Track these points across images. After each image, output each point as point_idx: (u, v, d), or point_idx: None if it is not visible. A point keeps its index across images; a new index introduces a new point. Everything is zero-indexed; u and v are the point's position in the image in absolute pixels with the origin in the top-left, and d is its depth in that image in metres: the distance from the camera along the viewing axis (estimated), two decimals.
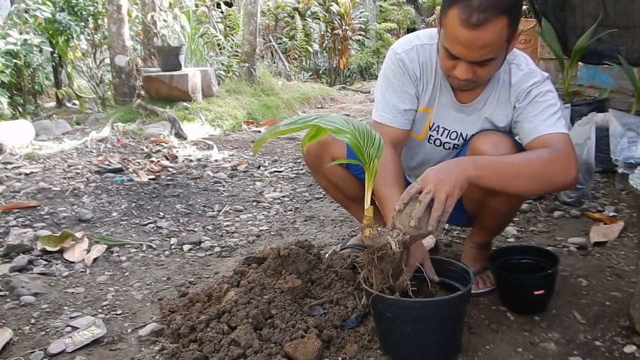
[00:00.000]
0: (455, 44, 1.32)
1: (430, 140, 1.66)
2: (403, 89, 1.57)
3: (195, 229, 2.44)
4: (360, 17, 9.10)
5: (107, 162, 3.48)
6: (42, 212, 2.59)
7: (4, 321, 1.63)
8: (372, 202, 1.34)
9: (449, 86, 1.56)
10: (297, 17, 8.09)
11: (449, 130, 1.62)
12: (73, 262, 2.08)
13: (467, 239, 1.80)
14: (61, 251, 2.15)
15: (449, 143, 1.64)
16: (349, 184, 1.79)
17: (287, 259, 1.64)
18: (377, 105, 1.61)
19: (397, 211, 1.28)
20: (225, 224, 2.51)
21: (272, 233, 2.37)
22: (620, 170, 2.58)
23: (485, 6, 1.26)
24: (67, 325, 1.61)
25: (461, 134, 1.62)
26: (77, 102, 5.47)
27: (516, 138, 1.57)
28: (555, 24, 3.97)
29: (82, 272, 2.01)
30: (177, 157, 3.70)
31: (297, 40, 8.00)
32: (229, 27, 7.38)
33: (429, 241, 2.03)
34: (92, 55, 5.61)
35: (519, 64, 1.52)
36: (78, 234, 2.26)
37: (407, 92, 1.58)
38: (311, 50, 8.25)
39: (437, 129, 1.63)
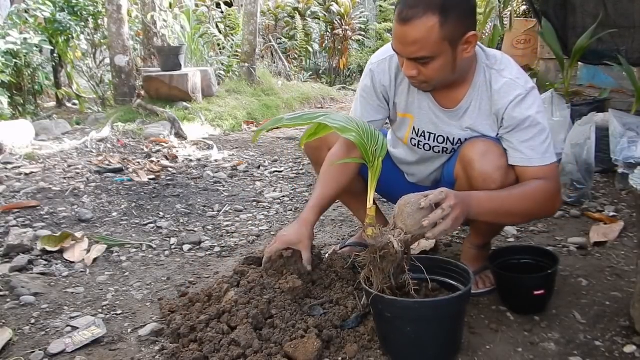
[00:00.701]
0: (394, 40, 1.39)
1: (415, 144, 1.66)
2: (367, 101, 1.63)
3: (195, 229, 2.44)
4: (360, 17, 9.09)
5: (107, 162, 3.48)
6: (42, 212, 2.59)
7: (4, 321, 1.63)
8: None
9: (429, 94, 1.55)
10: (298, 17, 8.09)
11: (435, 135, 1.61)
12: (73, 262, 2.08)
13: (466, 239, 1.80)
14: (61, 251, 2.15)
15: (438, 147, 1.63)
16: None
17: (289, 260, 1.64)
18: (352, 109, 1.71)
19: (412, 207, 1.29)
20: (225, 224, 2.51)
21: (272, 233, 2.37)
22: (620, 170, 2.58)
23: (415, 3, 1.31)
24: (67, 325, 1.61)
25: (448, 138, 1.60)
26: (77, 102, 5.47)
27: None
28: (555, 23, 3.98)
29: (82, 272, 2.01)
30: (177, 157, 3.70)
31: (297, 40, 7.99)
32: (229, 27, 7.38)
33: (429, 242, 2.03)
34: (92, 55, 5.61)
35: (500, 70, 1.49)
36: (78, 234, 2.26)
37: (370, 104, 1.64)
38: (311, 50, 8.25)
39: (423, 134, 1.63)
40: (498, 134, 1.52)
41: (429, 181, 1.77)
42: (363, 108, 1.65)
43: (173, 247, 2.25)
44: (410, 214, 1.27)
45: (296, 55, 8.05)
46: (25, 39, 4.53)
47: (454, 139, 1.59)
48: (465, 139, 1.56)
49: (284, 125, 1.34)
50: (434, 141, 1.62)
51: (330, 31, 8.40)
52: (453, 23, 1.32)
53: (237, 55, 6.47)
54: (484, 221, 1.49)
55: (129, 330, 1.60)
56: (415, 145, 1.67)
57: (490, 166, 1.45)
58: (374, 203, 1.35)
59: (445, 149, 1.63)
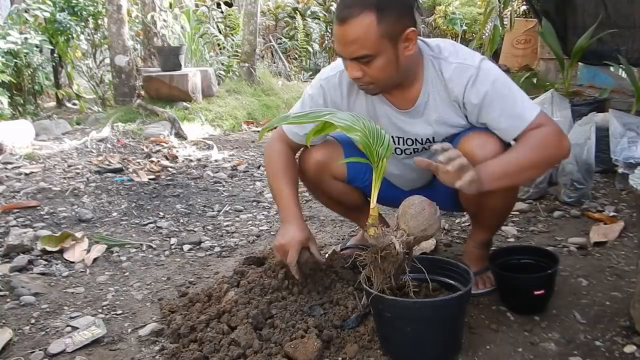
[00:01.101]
0: (335, 41, 1.40)
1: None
2: (312, 109, 1.60)
3: (195, 229, 2.44)
4: None
5: (107, 162, 3.48)
6: (42, 212, 2.59)
7: (4, 321, 1.63)
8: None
9: (383, 98, 1.55)
10: (298, 17, 8.09)
11: (403, 138, 1.60)
12: (73, 262, 2.08)
13: (468, 239, 1.79)
14: (61, 251, 2.15)
15: (409, 149, 1.62)
16: (350, 196, 1.79)
17: (309, 258, 1.64)
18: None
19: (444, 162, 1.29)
20: (225, 224, 2.51)
21: (272, 233, 2.37)
22: (620, 170, 2.58)
23: (352, 2, 1.33)
24: (67, 325, 1.61)
25: (415, 139, 1.58)
26: (77, 102, 5.47)
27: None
28: (556, 23, 3.98)
29: (82, 272, 2.01)
30: (177, 157, 3.70)
31: (297, 40, 7.99)
32: (229, 27, 7.38)
33: (429, 242, 2.03)
34: (92, 55, 5.61)
35: (446, 58, 1.49)
36: (78, 234, 2.26)
37: None
38: (311, 50, 8.24)
39: (392, 140, 1.61)
40: (469, 120, 1.51)
41: (421, 182, 1.75)
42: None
43: (173, 247, 2.25)
44: (413, 216, 1.27)
45: (296, 55, 8.05)
46: (25, 38, 4.53)
47: (422, 139, 1.58)
48: (433, 138, 1.56)
49: (290, 122, 1.34)
50: (403, 144, 1.61)
51: (330, 31, 8.40)
52: (390, 20, 1.34)
53: (237, 55, 6.47)
54: (500, 190, 1.44)
55: (129, 330, 1.60)
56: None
57: (492, 154, 1.45)
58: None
59: (416, 149, 1.62)
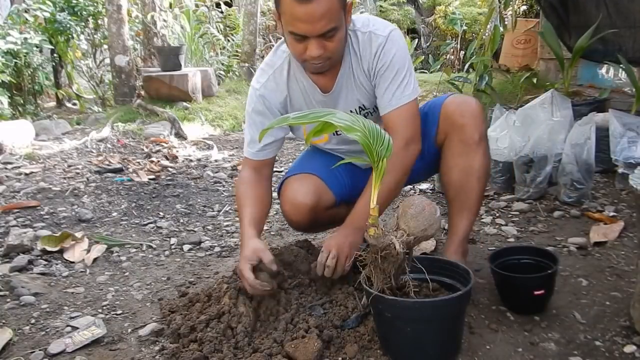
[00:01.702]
0: (298, 23, 1.37)
1: (341, 132, 1.62)
2: (264, 123, 1.61)
3: (195, 229, 2.44)
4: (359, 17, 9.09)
5: (107, 162, 3.48)
6: (42, 212, 2.59)
7: (4, 321, 1.63)
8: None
9: (311, 83, 1.58)
10: None
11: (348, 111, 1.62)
12: (73, 262, 2.08)
13: (449, 236, 1.74)
14: (61, 251, 2.15)
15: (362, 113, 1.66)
16: (343, 215, 1.75)
17: (292, 264, 1.65)
18: (245, 142, 1.69)
19: None
20: (225, 224, 2.51)
21: (272, 233, 2.37)
22: (620, 170, 2.58)
23: None
24: (67, 325, 1.61)
25: (360, 106, 1.63)
26: (77, 102, 5.47)
27: None
28: (557, 23, 3.98)
29: (82, 272, 2.01)
30: (177, 157, 3.70)
31: None
32: (229, 27, 7.39)
33: (429, 242, 2.03)
34: (92, 55, 5.62)
35: (359, 29, 1.54)
36: (78, 234, 2.26)
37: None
38: None
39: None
40: (375, 92, 1.58)
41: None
42: (259, 132, 1.57)
43: (173, 247, 2.25)
44: (413, 216, 1.27)
45: None
46: (25, 38, 4.53)
47: (363, 105, 1.63)
48: (364, 105, 1.62)
49: (290, 123, 1.34)
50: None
51: None
52: None
53: (237, 55, 6.47)
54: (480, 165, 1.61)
55: (129, 330, 1.59)
56: (341, 134, 1.67)
57: (474, 107, 1.61)
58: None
59: (369, 113, 1.64)
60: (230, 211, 2.69)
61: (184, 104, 4.93)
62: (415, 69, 4.84)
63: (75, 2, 5.10)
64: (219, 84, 5.76)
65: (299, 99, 1.63)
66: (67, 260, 2.10)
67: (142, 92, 5.12)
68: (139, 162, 3.54)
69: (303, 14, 1.35)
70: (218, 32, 7.07)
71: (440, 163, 1.72)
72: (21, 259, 2.03)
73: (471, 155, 1.61)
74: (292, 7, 1.35)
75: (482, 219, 2.36)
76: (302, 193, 1.66)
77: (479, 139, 1.60)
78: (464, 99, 1.65)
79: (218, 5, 7.61)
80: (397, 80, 1.52)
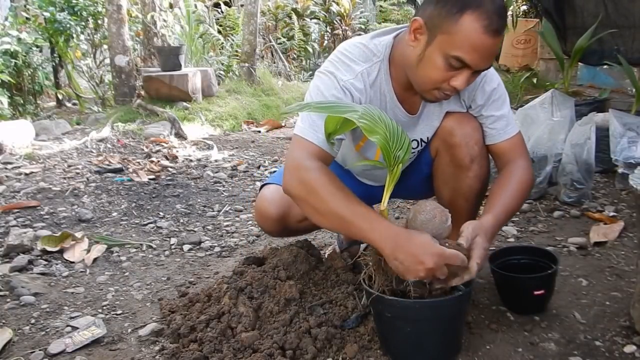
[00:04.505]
0: (473, 52, 1.24)
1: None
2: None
3: (195, 229, 2.44)
4: (360, 17, 9.10)
5: (107, 162, 3.48)
6: (42, 212, 2.59)
7: (4, 321, 1.63)
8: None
9: (395, 100, 1.47)
10: (295, 17, 8.10)
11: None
12: (73, 262, 2.08)
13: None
14: (61, 251, 2.15)
15: (413, 151, 1.58)
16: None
17: (292, 264, 1.64)
18: (306, 121, 1.36)
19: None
20: (225, 224, 2.51)
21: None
22: (620, 170, 2.58)
23: (502, 11, 1.24)
24: (67, 325, 1.61)
25: (421, 139, 1.58)
26: (77, 102, 5.47)
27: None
28: (558, 23, 3.98)
29: (82, 272, 2.01)
30: (177, 157, 3.70)
31: (296, 40, 8.00)
32: (228, 27, 7.38)
33: None
34: (92, 55, 5.62)
35: None
36: (78, 234, 2.26)
37: None
38: (311, 50, 8.24)
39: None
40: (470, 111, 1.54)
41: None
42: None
43: (173, 247, 2.25)
44: (424, 222, 1.26)
45: (296, 55, 8.06)
46: (19, 39, 4.52)
47: (426, 137, 1.58)
48: (428, 138, 1.58)
49: (312, 110, 1.29)
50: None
51: (330, 31, 8.41)
52: None
53: (237, 56, 6.47)
54: (473, 174, 1.54)
55: (129, 330, 1.59)
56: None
57: (470, 128, 1.50)
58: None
59: (413, 151, 1.58)
60: (230, 211, 2.69)
61: (184, 104, 4.93)
62: None
63: (75, 2, 5.10)
64: (219, 84, 5.76)
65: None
66: (67, 260, 2.10)
67: (142, 92, 5.12)
68: (139, 162, 3.54)
69: (485, 46, 1.23)
70: (218, 32, 7.07)
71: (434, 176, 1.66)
72: (21, 259, 2.03)
73: (461, 178, 1.54)
74: (475, 35, 1.21)
75: None
76: (270, 203, 1.59)
77: (470, 162, 1.51)
78: (463, 117, 1.51)
79: (217, 5, 7.61)
80: (506, 108, 1.49)
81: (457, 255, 1.20)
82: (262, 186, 1.73)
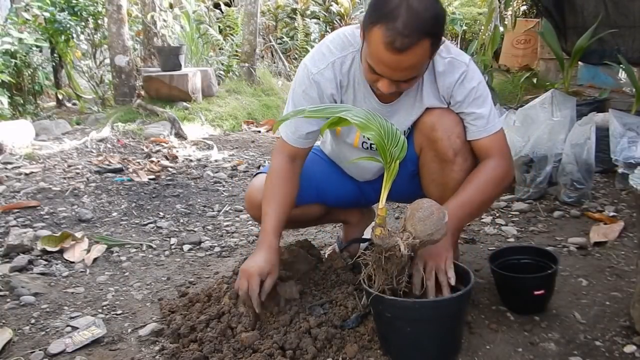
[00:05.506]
0: (379, 64, 1.30)
1: (367, 147, 1.63)
2: None
3: (195, 229, 2.44)
4: (360, 17, 9.10)
5: (107, 162, 3.48)
6: (42, 212, 2.59)
7: (4, 321, 1.63)
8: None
9: (370, 90, 1.52)
10: (298, 17, 8.10)
11: None
12: (73, 262, 2.08)
13: None
14: (61, 251, 2.15)
15: None
16: (315, 215, 1.78)
17: (292, 265, 1.64)
18: (283, 125, 1.55)
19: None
20: (225, 224, 2.51)
21: None
22: (620, 170, 2.58)
23: (409, 31, 1.23)
24: (67, 325, 1.61)
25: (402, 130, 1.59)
26: (77, 102, 5.47)
27: None
28: (558, 22, 3.98)
29: (82, 272, 2.01)
30: (177, 157, 3.70)
31: (296, 40, 7.99)
32: (228, 27, 7.38)
33: None
34: (92, 55, 5.61)
35: (440, 52, 1.45)
36: (78, 234, 2.26)
37: None
38: (310, 50, 8.24)
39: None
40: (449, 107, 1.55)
41: (379, 173, 1.72)
42: (305, 119, 1.52)
43: (173, 247, 2.25)
44: (421, 219, 1.26)
45: (296, 55, 8.05)
46: (20, 39, 4.52)
47: (407, 128, 1.60)
48: (408, 128, 1.59)
49: (306, 116, 1.31)
50: None
51: (330, 31, 8.40)
52: (438, 40, 1.33)
53: (237, 56, 6.47)
54: (461, 170, 1.54)
55: (129, 330, 1.60)
56: (368, 148, 1.64)
57: (451, 122, 1.52)
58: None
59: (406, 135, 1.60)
60: (230, 211, 2.69)
61: (184, 104, 4.93)
62: None
63: (75, 2, 5.10)
64: (219, 84, 5.76)
65: (351, 98, 1.55)
66: (67, 260, 2.10)
67: (142, 92, 5.12)
68: (139, 162, 3.54)
69: (389, 61, 1.28)
70: (218, 32, 7.06)
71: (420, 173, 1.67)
72: (21, 259, 2.03)
73: (446, 172, 1.55)
74: (380, 49, 1.27)
75: (482, 219, 2.36)
76: (258, 191, 1.62)
77: (453, 155, 1.52)
78: (443, 112, 1.53)
79: (217, 5, 7.61)
80: (487, 106, 1.50)
81: (250, 286, 1.41)
82: (254, 175, 1.79)
